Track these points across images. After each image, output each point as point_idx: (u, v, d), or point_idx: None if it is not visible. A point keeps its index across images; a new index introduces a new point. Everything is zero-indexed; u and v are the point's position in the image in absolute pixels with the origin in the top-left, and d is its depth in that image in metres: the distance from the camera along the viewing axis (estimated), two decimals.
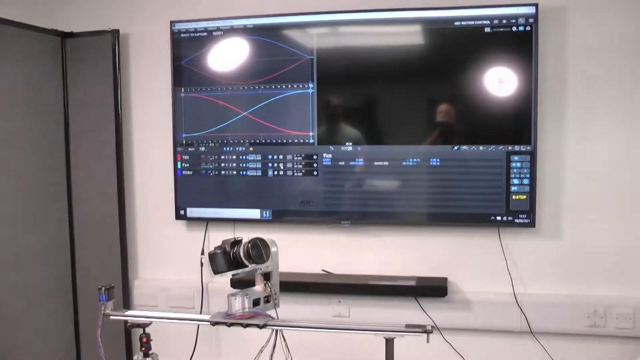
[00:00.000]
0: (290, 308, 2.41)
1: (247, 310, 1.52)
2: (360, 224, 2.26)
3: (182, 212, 2.40)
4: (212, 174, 2.38)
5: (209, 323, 1.54)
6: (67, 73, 2.40)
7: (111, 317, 1.63)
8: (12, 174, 2.15)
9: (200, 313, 2.39)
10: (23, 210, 2.20)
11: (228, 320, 1.51)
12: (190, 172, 2.39)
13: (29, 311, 2.20)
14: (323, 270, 2.36)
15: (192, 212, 2.39)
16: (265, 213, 2.38)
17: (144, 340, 1.63)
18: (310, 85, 2.21)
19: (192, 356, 2.42)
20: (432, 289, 2.15)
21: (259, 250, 1.52)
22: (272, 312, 1.57)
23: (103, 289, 1.62)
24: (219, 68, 2.32)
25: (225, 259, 1.51)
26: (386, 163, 2.18)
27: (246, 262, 1.51)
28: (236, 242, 1.52)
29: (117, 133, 2.38)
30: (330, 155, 2.22)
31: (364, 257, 2.29)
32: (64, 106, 2.39)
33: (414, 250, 2.26)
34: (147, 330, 1.65)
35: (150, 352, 1.69)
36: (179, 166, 2.38)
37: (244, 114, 2.35)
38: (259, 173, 2.35)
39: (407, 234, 2.24)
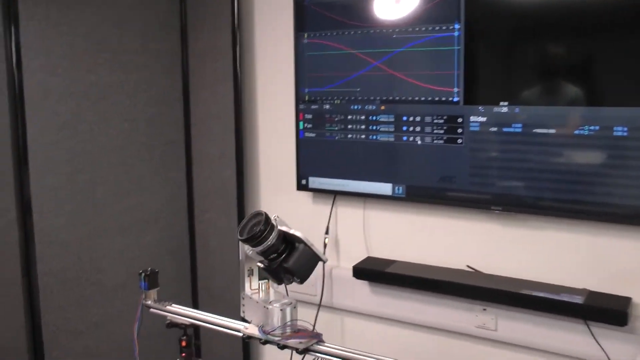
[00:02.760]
0: (424, 309, 2.40)
1: (288, 324, 1.50)
2: (515, 212, 2.10)
3: (303, 181, 2.50)
4: (337, 137, 2.43)
5: (241, 335, 1.56)
6: (187, 22, 2.63)
7: (151, 309, 1.71)
8: (126, 130, 2.43)
9: (320, 303, 2.53)
10: (136, 170, 2.49)
11: (263, 336, 1.51)
12: (314, 135, 2.48)
13: (135, 280, 2.55)
14: (468, 267, 2.32)
15: (314, 182, 2.48)
16: (398, 189, 2.40)
17: (183, 344, 1.67)
18: (457, 26, 2.09)
19: None
20: (607, 313, 1.90)
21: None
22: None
23: (143, 274, 1.70)
24: (347, 7, 2.31)
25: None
26: (552, 131, 1.97)
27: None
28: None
29: (236, 87, 2.55)
30: (479, 119, 2.10)
31: (518, 256, 2.14)
32: (183, 58, 2.64)
33: (586, 253, 2.03)
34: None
35: (193, 358, 1.73)
36: (301, 127, 2.50)
37: (375, 63, 2.35)
38: (392, 138, 2.35)
39: (576, 229, 2.03)
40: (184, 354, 1.71)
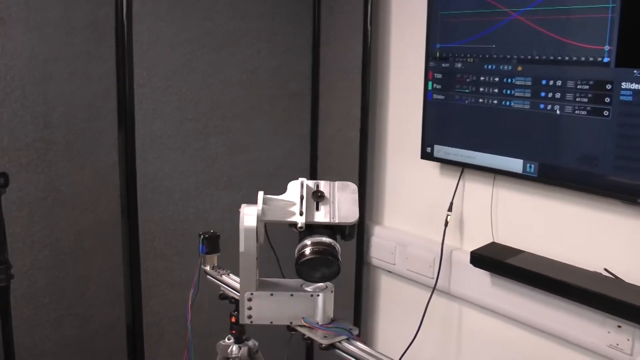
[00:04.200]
0: (549, 314, 2.04)
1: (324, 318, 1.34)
2: None
3: (428, 149, 2.25)
4: (467, 101, 2.11)
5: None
6: None
7: (208, 276, 1.62)
8: (245, 81, 2.36)
9: (434, 287, 2.26)
10: (254, 122, 2.42)
11: (310, 323, 1.35)
12: (442, 97, 2.18)
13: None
14: (605, 271, 1.90)
15: (440, 151, 2.23)
16: (530, 167, 2.01)
17: (233, 319, 1.52)
18: None
19: (417, 331, 2.31)
20: None
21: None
22: None
23: (202, 237, 1.59)
24: None
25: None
26: None
27: None
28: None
29: (365, 40, 2.36)
30: (632, 86, 1.66)
31: None
32: (314, 6, 2.51)
33: None
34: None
35: (245, 337, 1.58)
36: (429, 87, 2.23)
37: (515, 15, 1.96)
38: (527, 105, 1.96)
39: None
40: (233, 331, 1.57)
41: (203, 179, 2.32)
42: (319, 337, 1.28)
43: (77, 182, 2.05)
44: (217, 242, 1.64)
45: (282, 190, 1.41)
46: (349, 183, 1.38)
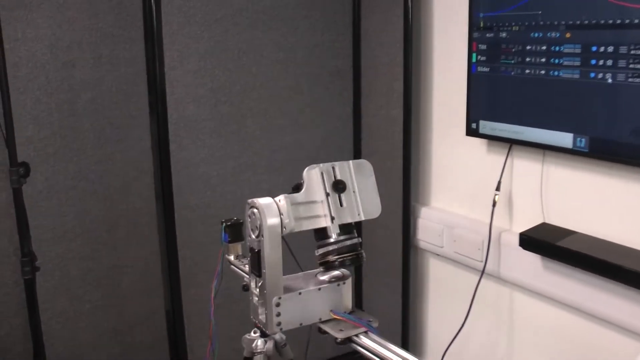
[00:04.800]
0: (602, 299, 1.91)
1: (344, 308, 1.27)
2: None
3: (473, 125, 2.14)
4: (513, 72, 1.98)
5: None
6: None
7: (232, 266, 1.54)
8: (282, 60, 2.30)
9: (483, 270, 2.17)
10: (293, 103, 2.35)
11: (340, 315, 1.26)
12: (487, 69, 2.05)
13: None
14: None
15: (485, 127, 2.10)
16: (580, 141, 1.86)
17: None
18: None
19: (466, 316, 2.23)
20: None
21: None
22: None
23: (224, 224, 1.51)
24: None
25: None
26: None
27: None
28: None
29: (406, 10, 2.24)
30: None
31: None
32: None
33: None
34: None
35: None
36: (473, 59, 2.10)
37: None
38: (577, 74, 1.82)
39: None
40: (258, 324, 1.41)
41: (241, 163, 2.28)
42: (335, 331, 1.19)
43: (108, 171, 2.05)
44: (241, 229, 1.55)
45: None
46: (364, 162, 1.29)
